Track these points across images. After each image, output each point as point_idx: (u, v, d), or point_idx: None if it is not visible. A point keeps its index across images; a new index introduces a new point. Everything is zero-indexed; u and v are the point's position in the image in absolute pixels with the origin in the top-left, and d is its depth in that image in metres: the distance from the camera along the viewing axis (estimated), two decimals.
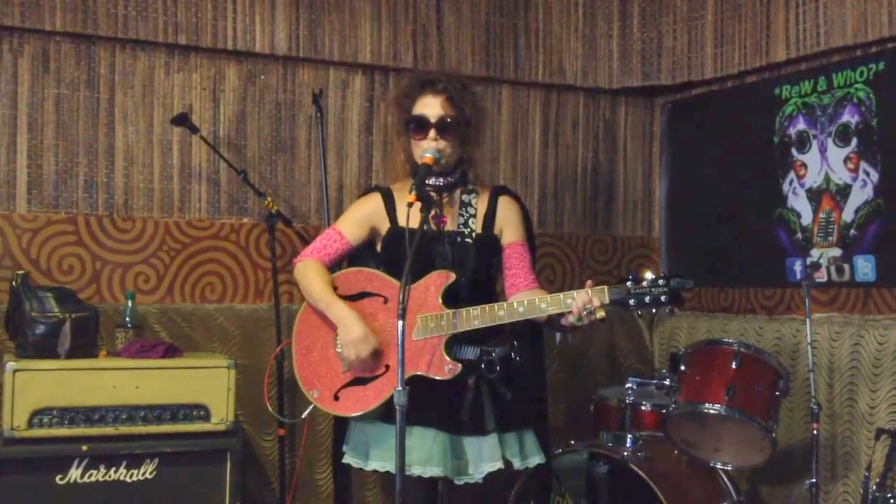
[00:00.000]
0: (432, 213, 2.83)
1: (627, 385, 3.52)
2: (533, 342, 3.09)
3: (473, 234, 2.90)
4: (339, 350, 2.90)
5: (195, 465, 3.29)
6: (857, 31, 3.70)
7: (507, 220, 2.97)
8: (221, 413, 3.33)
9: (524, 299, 2.77)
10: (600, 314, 2.68)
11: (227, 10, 3.97)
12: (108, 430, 3.21)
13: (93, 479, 3.19)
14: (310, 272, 2.94)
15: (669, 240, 4.74)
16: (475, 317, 2.75)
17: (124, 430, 3.23)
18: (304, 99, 4.12)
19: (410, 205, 2.67)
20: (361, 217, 2.99)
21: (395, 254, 2.85)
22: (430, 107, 2.87)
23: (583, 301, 2.66)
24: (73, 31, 3.77)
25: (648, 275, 2.67)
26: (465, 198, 2.95)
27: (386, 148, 4.26)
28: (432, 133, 2.85)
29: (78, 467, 3.18)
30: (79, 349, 3.28)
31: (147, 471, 3.25)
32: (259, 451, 3.94)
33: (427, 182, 2.86)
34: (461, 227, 2.91)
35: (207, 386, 3.33)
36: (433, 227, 2.87)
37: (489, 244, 2.94)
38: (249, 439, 3.88)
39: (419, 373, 2.78)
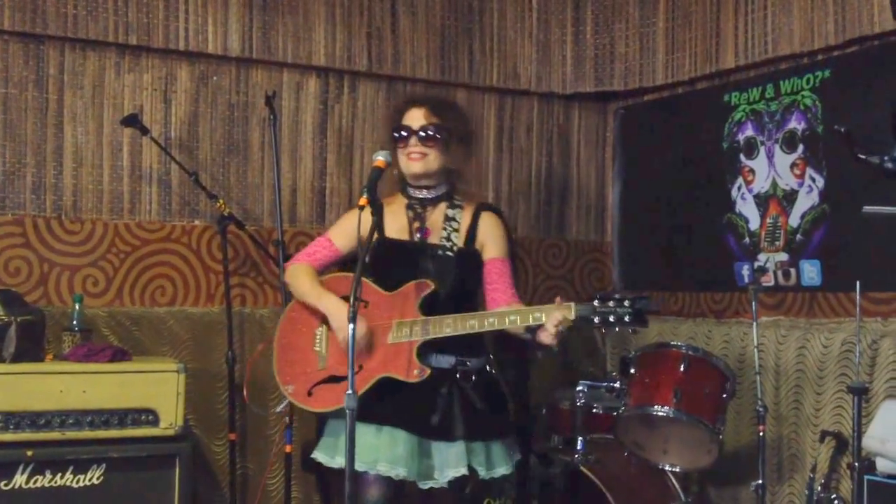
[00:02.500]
0: (416, 225, 2.99)
1: (578, 388, 3.55)
2: (516, 356, 3.19)
3: (455, 248, 3.00)
4: (318, 349, 3.02)
5: (143, 471, 3.26)
6: (804, 40, 3.77)
7: (489, 236, 3.07)
8: (170, 418, 3.30)
9: (495, 311, 2.89)
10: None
11: (180, 11, 3.94)
12: (55, 435, 3.17)
13: (38, 484, 3.15)
14: (300, 273, 3.09)
15: (622, 244, 4.78)
16: (447, 324, 2.86)
17: (71, 435, 3.18)
18: (258, 101, 4.10)
19: (362, 207, 2.75)
20: (352, 227, 3.04)
21: (383, 264, 2.99)
22: (413, 118, 3.04)
23: (556, 320, 2.75)
24: (22, 31, 3.72)
25: (616, 294, 2.77)
26: (450, 212, 3.05)
27: (340, 151, 4.27)
28: (413, 140, 3.00)
29: (23, 473, 3.13)
30: (24, 353, 3.24)
31: (94, 476, 3.21)
32: (210, 457, 3.91)
33: (414, 195, 3.05)
34: (444, 240, 3.01)
35: (156, 390, 3.29)
36: (416, 239, 3.02)
37: (470, 258, 3.04)
38: (200, 444, 3.84)
39: (390, 374, 2.88)
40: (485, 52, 4.55)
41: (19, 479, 3.13)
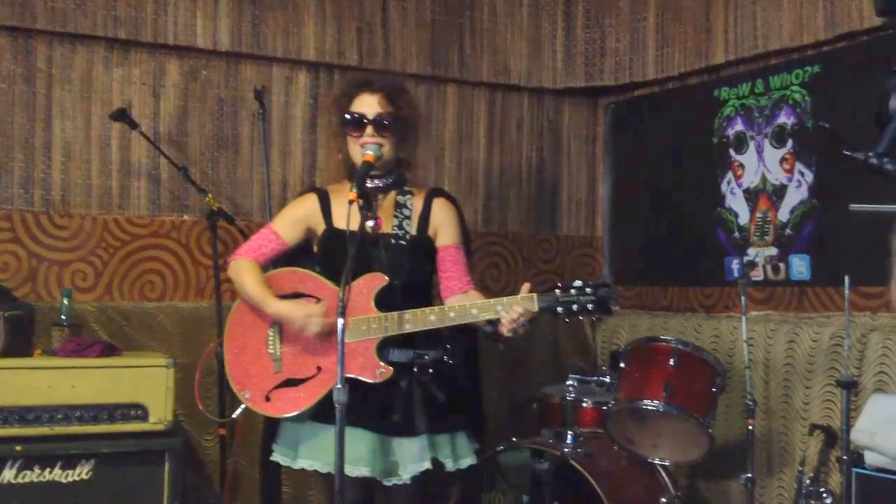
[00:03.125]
0: (368, 216, 2.81)
1: (568, 382, 3.54)
2: (468, 344, 3.11)
3: (408, 237, 2.90)
4: (272, 351, 2.91)
5: (133, 466, 3.25)
6: (793, 35, 3.78)
7: (442, 222, 2.97)
8: (160, 413, 3.29)
9: (455, 305, 2.80)
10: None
11: (169, 5, 3.93)
12: (44, 431, 3.16)
13: (27, 479, 3.14)
14: (243, 271, 2.93)
15: (612, 239, 4.79)
16: (407, 321, 2.77)
17: (60, 430, 3.17)
18: (247, 95, 4.09)
19: (352, 202, 2.65)
20: (297, 217, 2.98)
21: (331, 255, 2.86)
22: (367, 105, 2.88)
23: (516, 313, 2.69)
24: (10, 25, 3.71)
25: (577, 283, 2.71)
26: (401, 199, 2.95)
27: (328, 147, 4.25)
28: (369, 130, 2.85)
29: (12, 468, 3.12)
30: (13, 348, 3.23)
31: (83, 471, 3.20)
32: (200, 451, 3.90)
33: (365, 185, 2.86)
34: (396, 229, 2.90)
35: (145, 385, 3.29)
36: (367, 229, 2.85)
37: (424, 246, 2.94)
38: (190, 439, 3.84)
39: (350, 375, 2.76)
40: (475, 47, 4.54)
41: (8, 475, 3.12)
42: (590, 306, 2.68)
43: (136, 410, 3.27)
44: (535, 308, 2.70)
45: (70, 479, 3.19)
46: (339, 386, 2.48)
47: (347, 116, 2.89)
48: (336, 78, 4.27)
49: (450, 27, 4.48)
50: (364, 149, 2.83)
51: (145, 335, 3.86)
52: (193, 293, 4.01)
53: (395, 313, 2.78)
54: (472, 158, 4.62)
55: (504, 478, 3.68)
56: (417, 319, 2.77)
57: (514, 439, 3.60)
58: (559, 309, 2.70)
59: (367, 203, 2.81)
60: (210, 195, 3.79)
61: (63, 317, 3.53)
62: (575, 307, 2.68)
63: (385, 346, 2.81)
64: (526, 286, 2.75)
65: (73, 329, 3.53)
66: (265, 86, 4.00)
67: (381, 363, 2.78)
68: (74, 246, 3.83)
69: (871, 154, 1.14)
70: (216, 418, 3.65)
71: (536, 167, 4.77)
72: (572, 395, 3.54)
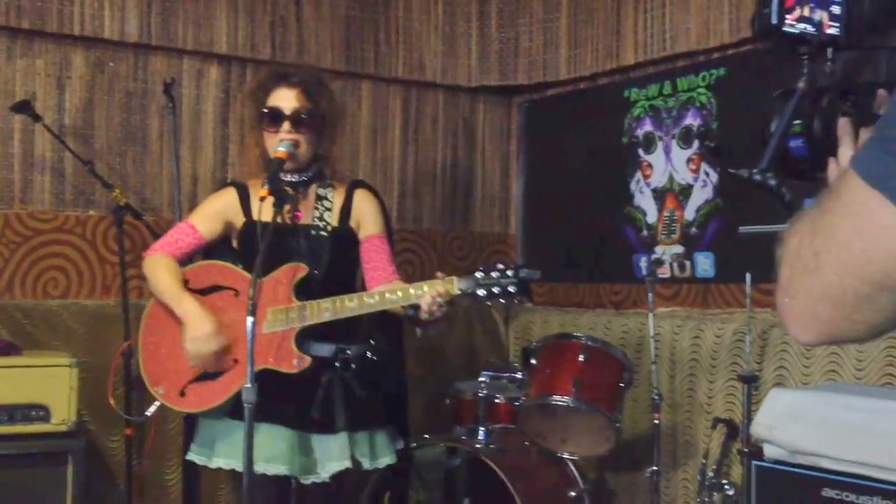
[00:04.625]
0: (287, 207, 2.80)
1: (481, 379, 3.58)
2: (392, 339, 3.09)
3: (329, 228, 2.88)
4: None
5: (34, 468, 3.17)
6: (700, 38, 3.88)
7: (365, 213, 2.95)
8: (63, 413, 3.21)
9: (375, 292, 2.77)
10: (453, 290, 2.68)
11: None
12: None
13: None
14: (158, 267, 2.86)
15: (525, 236, 4.84)
16: (325, 309, 2.73)
17: None
18: (156, 88, 4.00)
19: (263, 199, 2.64)
20: (215, 211, 2.94)
21: (250, 248, 2.80)
22: (285, 99, 2.83)
23: (431, 296, 2.66)
24: None
25: (499, 265, 2.68)
26: (321, 191, 2.92)
27: (242, 141, 4.18)
28: (286, 125, 2.81)
29: None
30: None
31: None
32: (105, 452, 3.81)
33: (282, 178, 2.83)
34: (316, 220, 2.88)
35: (48, 385, 3.20)
36: (287, 220, 2.84)
37: (346, 237, 2.92)
38: (95, 440, 3.74)
39: (268, 366, 2.73)
40: (390, 43, 4.54)
41: None
42: (512, 288, 2.63)
43: (38, 411, 3.18)
44: (455, 290, 2.66)
45: None
46: (247, 385, 2.46)
47: (264, 111, 2.84)
48: (249, 72, 4.21)
49: (365, 23, 4.47)
50: (277, 145, 2.80)
51: (48, 334, 3.75)
52: (99, 291, 3.91)
53: (313, 301, 2.74)
54: (386, 155, 4.61)
55: (418, 474, 3.69)
56: (336, 307, 2.72)
57: (427, 436, 3.61)
58: (480, 292, 2.65)
59: (287, 197, 2.78)
60: (117, 190, 3.69)
61: None
62: (497, 289, 2.64)
63: (306, 341, 2.77)
64: (439, 274, 2.72)
65: None
66: (174, 78, 3.92)
67: (299, 353, 2.74)
68: None
69: (754, 171, 1.18)
70: (127, 416, 3.56)
71: (451, 164, 4.79)
72: (485, 392, 3.57)
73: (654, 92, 4.11)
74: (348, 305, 2.73)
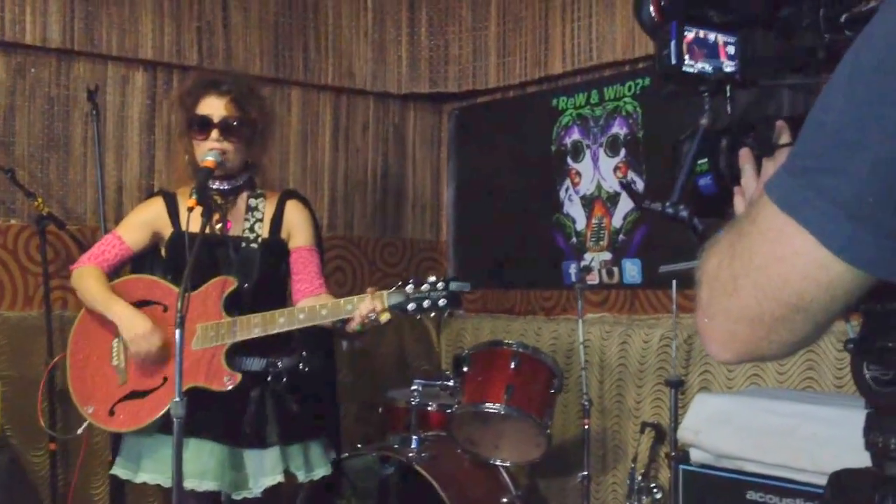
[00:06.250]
0: (216, 217, 2.77)
1: (413, 387, 3.57)
2: (323, 350, 3.08)
3: (259, 239, 2.85)
4: (116, 363, 2.81)
5: None
6: (626, 48, 3.95)
7: (295, 225, 2.93)
8: None
9: (305, 306, 2.75)
10: (384, 317, 2.69)
11: None
12: None
13: None
14: (87, 277, 2.82)
15: (457, 243, 4.87)
16: (255, 324, 2.70)
17: None
18: (80, 94, 3.91)
19: (191, 209, 2.60)
20: (142, 221, 2.90)
21: (178, 259, 2.77)
22: (214, 107, 2.80)
23: (366, 309, 2.65)
24: None
25: (430, 278, 2.69)
26: (252, 202, 2.90)
27: (169, 148, 4.12)
28: (215, 134, 2.78)
29: None
30: None
31: None
32: (28, 468, 3.71)
33: (211, 186, 2.79)
34: (246, 231, 2.85)
35: None
36: (216, 231, 2.81)
37: (276, 249, 2.89)
38: (17, 455, 3.64)
39: (198, 384, 2.70)
40: (320, 50, 4.51)
41: None
42: (441, 302, 2.64)
43: None
44: (385, 305, 2.65)
45: None
46: (176, 399, 2.43)
47: (192, 119, 2.80)
48: (175, 78, 4.14)
49: (293, 29, 4.43)
50: (206, 154, 2.76)
51: None
52: (21, 302, 3.81)
53: (243, 317, 2.71)
54: (316, 162, 4.59)
55: (351, 484, 3.67)
56: (266, 323, 2.70)
57: (360, 445, 3.60)
58: (410, 306, 2.66)
59: (216, 206, 2.76)
60: (39, 199, 3.60)
61: None
62: (427, 303, 2.65)
63: (237, 354, 2.74)
64: (370, 289, 2.71)
65: None
66: (98, 85, 3.84)
67: (229, 370, 2.71)
68: None
69: (667, 204, 1.22)
70: (52, 434, 3.48)
71: (382, 171, 4.78)
72: (417, 400, 3.57)
73: (581, 101, 4.17)
74: (279, 321, 2.70)
